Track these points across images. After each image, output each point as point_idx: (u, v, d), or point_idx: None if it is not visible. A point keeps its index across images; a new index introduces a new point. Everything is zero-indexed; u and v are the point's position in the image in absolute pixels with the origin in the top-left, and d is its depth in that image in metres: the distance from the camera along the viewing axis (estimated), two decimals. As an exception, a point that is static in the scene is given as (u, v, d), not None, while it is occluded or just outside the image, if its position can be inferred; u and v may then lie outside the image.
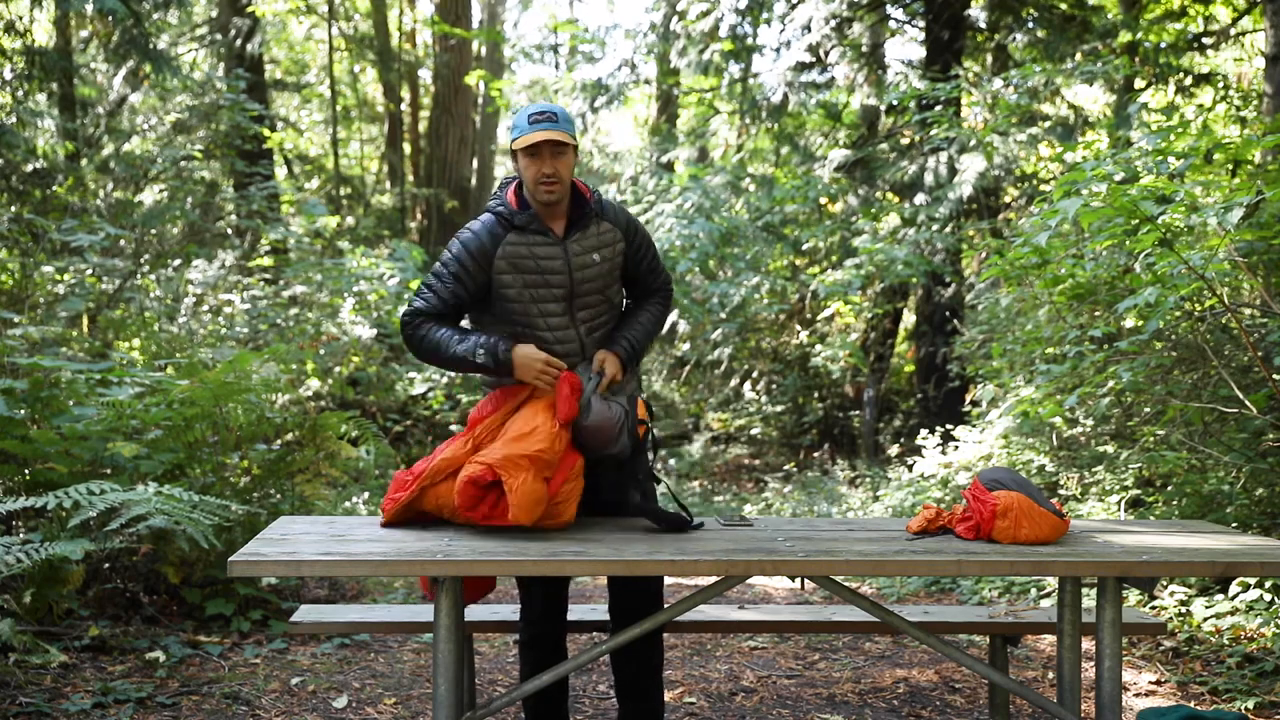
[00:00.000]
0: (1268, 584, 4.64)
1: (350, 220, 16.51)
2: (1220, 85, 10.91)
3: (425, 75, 18.93)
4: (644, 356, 3.29)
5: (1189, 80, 10.75)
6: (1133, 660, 4.49)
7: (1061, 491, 6.45)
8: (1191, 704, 3.95)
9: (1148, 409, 5.99)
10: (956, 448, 7.85)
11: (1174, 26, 11.14)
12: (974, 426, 8.02)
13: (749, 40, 11.81)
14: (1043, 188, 9.79)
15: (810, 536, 2.96)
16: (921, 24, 11.56)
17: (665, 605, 3.16)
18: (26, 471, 4.66)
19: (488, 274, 3.07)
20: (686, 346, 12.34)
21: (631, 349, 3.18)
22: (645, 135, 17.05)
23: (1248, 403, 4.71)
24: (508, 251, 3.06)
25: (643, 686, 3.26)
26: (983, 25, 11.34)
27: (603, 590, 6.02)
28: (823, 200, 11.26)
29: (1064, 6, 10.67)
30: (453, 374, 10.80)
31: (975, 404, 8.57)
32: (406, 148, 18.29)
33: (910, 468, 8.57)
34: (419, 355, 3.14)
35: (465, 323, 3.24)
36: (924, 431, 8.72)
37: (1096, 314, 6.20)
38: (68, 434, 4.72)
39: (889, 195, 11.13)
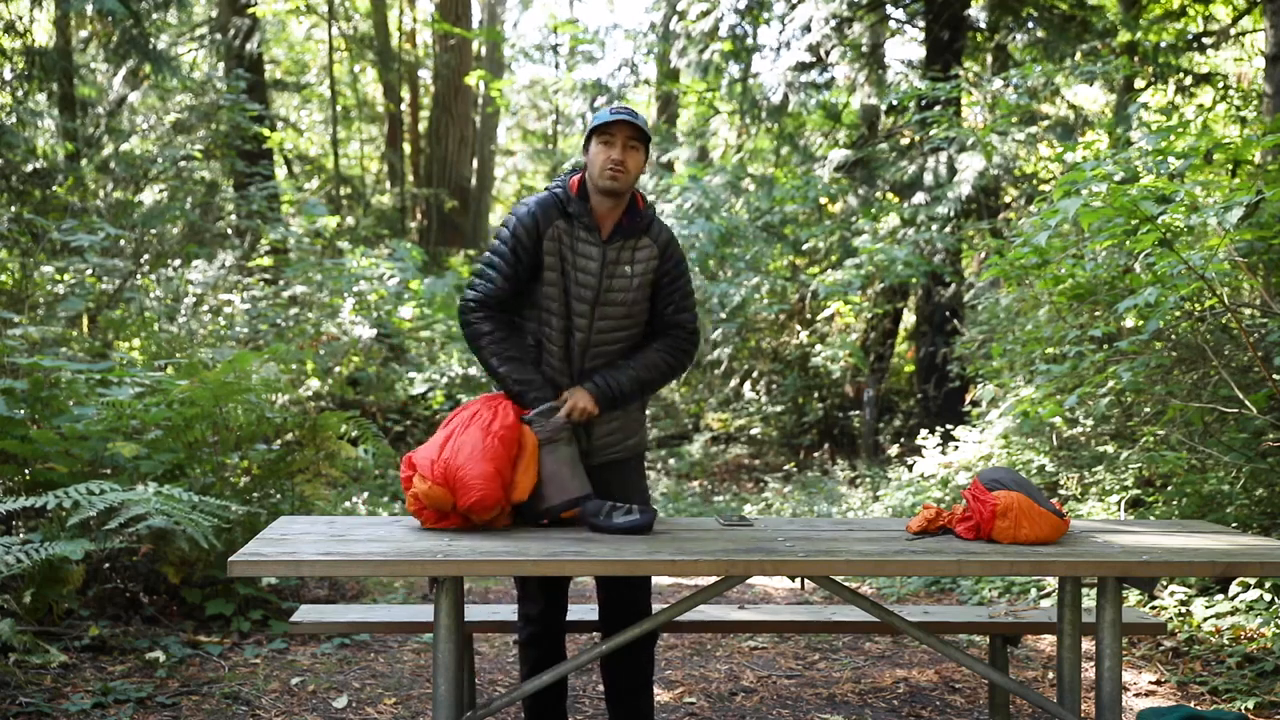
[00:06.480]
0: (1268, 584, 4.64)
1: (350, 220, 16.50)
2: (1220, 85, 10.90)
3: (425, 75, 18.94)
4: (629, 402, 3.15)
5: (1189, 80, 10.74)
6: (1133, 660, 4.49)
7: (1061, 491, 6.44)
8: (1191, 704, 3.95)
9: (1148, 409, 5.99)
10: (956, 448, 7.84)
11: (1174, 26, 11.14)
12: (974, 426, 8.02)
13: (749, 40, 11.80)
14: (1043, 188, 9.78)
15: (810, 536, 2.96)
16: (921, 24, 11.56)
17: (665, 605, 3.15)
18: (26, 471, 4.66)
19: (539, 253, 3.08)
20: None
21: (607, 390, 3.08)
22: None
23: (1248, 403, 4.71)
24: (554, 234, 3.08)
25: (634, 687, 3.26)
26: (983, 25, 11.34)
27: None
28: (823, 200, 11.25)
29: (1064, 6, 10.66)
30: (453, 375, 10.86)
31: (975, 404, 8.57)
32: (406, 148, 18.29)
33: (910, 468, 8.56)
34: (471, 347, 3.15)
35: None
36: (924, 431, 8.71)
37: (1096, 314, 6.20)
38: (68, 434, 4.72)
39: (889, 195, 11.12)
